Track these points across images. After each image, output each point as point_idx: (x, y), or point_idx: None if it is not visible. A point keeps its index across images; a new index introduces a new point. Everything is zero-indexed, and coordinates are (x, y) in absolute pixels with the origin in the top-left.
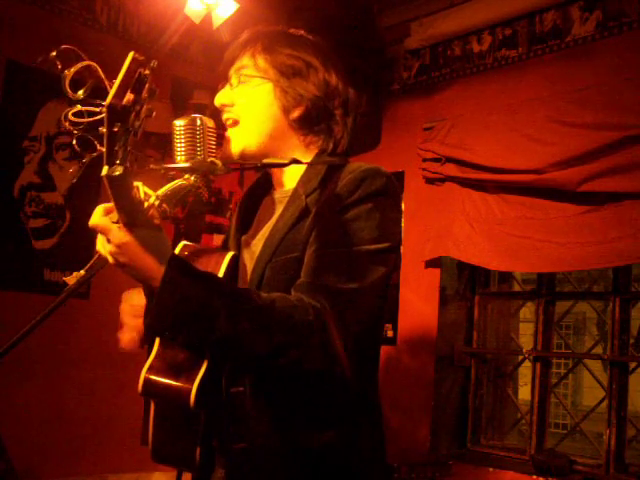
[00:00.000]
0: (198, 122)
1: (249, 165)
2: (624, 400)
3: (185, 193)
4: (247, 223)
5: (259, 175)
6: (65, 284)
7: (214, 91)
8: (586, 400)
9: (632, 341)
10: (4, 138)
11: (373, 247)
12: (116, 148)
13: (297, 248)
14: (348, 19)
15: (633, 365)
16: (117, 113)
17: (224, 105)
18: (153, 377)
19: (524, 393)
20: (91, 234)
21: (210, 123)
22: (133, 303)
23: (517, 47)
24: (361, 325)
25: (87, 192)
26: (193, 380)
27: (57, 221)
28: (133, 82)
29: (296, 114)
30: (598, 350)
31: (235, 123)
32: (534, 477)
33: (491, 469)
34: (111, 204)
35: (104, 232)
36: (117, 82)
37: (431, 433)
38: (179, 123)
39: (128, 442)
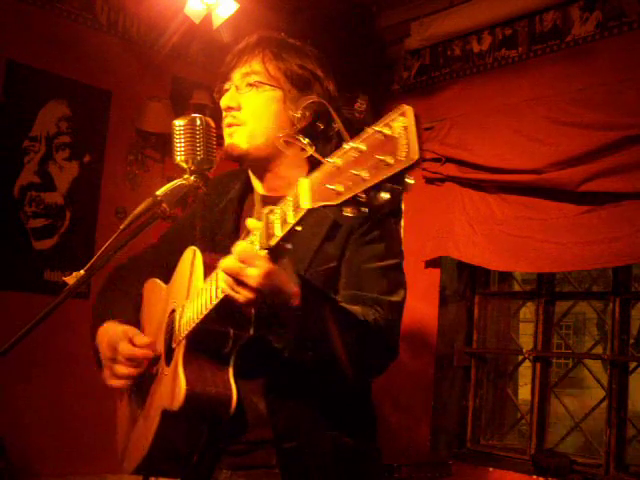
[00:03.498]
0: (198, 122)
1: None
2: (624, 400)
3: (185, 193)
4: (228, 225)
5: (230, 171)
6: (65, 284)
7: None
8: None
9: (632, 341)
10: (4, 138)
11: (398, 262)
12: None
13: (332, 259)
14: (348, 19)
15: (633, 365)
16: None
17: (231, 108)
18: (194, 389)
19: (524, 393)
20: (91, 234)
21: (210, 123)
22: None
23: (517, 47)
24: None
25: (87, 192)
26: (230, 387)
27: (57, 221)
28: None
29: (302, 124)
30: (598, 350)
31: (240, 125)
32: (534, 477)
33: (491, 469)
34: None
35: (252, 259)
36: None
37: (431, 433)
38: (179, 123)
39: None
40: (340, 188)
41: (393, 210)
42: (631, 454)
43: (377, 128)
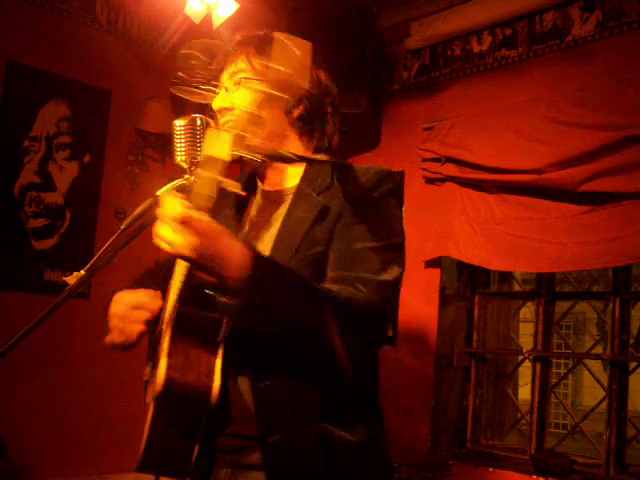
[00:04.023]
0: (198, 122)
1: (301, 160)
2: (624, 400)
3: (185, 193)
4: (234, 223)
5: (242, 174)
6: (65, 284)
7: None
8: (586, 400)
9: (632, 341)
10: (4, 138)
11: (396, 241)
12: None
13: (320, 244)
14: (348, 19)
15: (633, 365)
16: None
17: (223, 109)
18: (173, 377)
19: (524, 393)
20: (91, 234)
21: (210, 123)
22: (128, 303)
23: (517, 47)
24: (392, 315)
25: (87, 192)
26: (213, 376)
27: (57, 221)
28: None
29: (296, 113)
30: (598, 350)
31: (236, 126)
32: (534, 477)
33: (491, 469)
34: (177, 193)
35: (189, 221)
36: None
37: (431, 433)
38: (179, 123)
39: (128, 442)
40: (248, 134)
41: (392, 189)
42: (631, 454)
43: (275, 67)
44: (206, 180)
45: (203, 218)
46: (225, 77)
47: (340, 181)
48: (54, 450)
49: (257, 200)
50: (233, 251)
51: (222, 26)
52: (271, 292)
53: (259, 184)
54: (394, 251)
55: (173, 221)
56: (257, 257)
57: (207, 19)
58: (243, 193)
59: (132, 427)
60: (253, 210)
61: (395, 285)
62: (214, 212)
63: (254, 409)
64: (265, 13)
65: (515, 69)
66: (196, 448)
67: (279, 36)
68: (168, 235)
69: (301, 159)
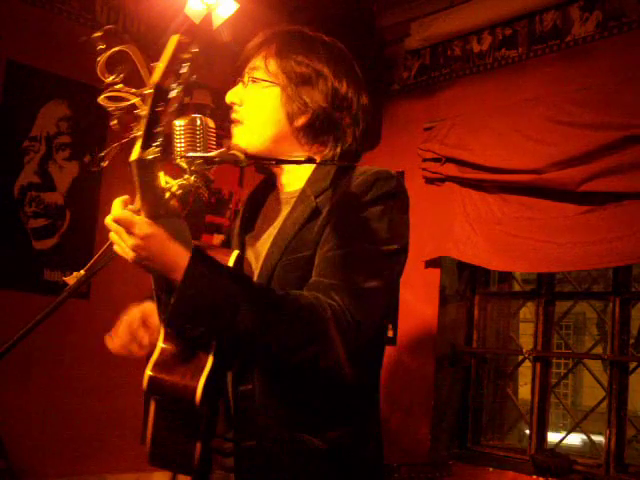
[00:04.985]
0: (198, 122)
1: (267, 161)
2: (624, 400)
3: (185, 193)
4: (251, 223)
5: (264, 176)
6: (65, 284)
7: (214, 91)
8: (586, 400)
9: (632, 341)
10: (4, 138)
11: (384, 248)
12: (156, 130)
13: (308, 247)
14: (348, 19)
15: (633, 365)
16: (163, 93)
17: (233, 103)
18: (158, 375)
19: (524, 393)
20: (91, 234)
21: (210, 123)
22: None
23: (517, 47)
24: (375, 324)
25: (87, 192)
26: (199, 377)
27: (57, 221)
28: (176, 65)
29: (300, 122)
30: (598, 350)
31: (239, 123)
32: (534, 477)
33: (491, 469)
34: (127, 196)
35: (128, 225)
36: (165, 62)
37: (431, 433)
38: (179, 123)
39: (128, 442)
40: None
41: (388, 192)
42: (631, 454)
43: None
44: (146, 185)
45: (138, 220)
46: (245, 71)
47: (337, 183)
48: (54, 450)
49: (271, 202)
50: (170, 253)
51: (222, 26)
52: (203, 293)
53: (277, 184)
54: (379, 260)
55: (115, 223)
56: (192, 259)
57: (207, 19)
58: (176, 191)
59: (131, 427)
60: (266, 212)
61: (373, 295)
62: (244, 217)
63: (233, 413)
64: (265, 13)
65: (515, 69)
66: (198, 447)
67: (310, 37)
68: (112, 236)
69: (293, 162)
